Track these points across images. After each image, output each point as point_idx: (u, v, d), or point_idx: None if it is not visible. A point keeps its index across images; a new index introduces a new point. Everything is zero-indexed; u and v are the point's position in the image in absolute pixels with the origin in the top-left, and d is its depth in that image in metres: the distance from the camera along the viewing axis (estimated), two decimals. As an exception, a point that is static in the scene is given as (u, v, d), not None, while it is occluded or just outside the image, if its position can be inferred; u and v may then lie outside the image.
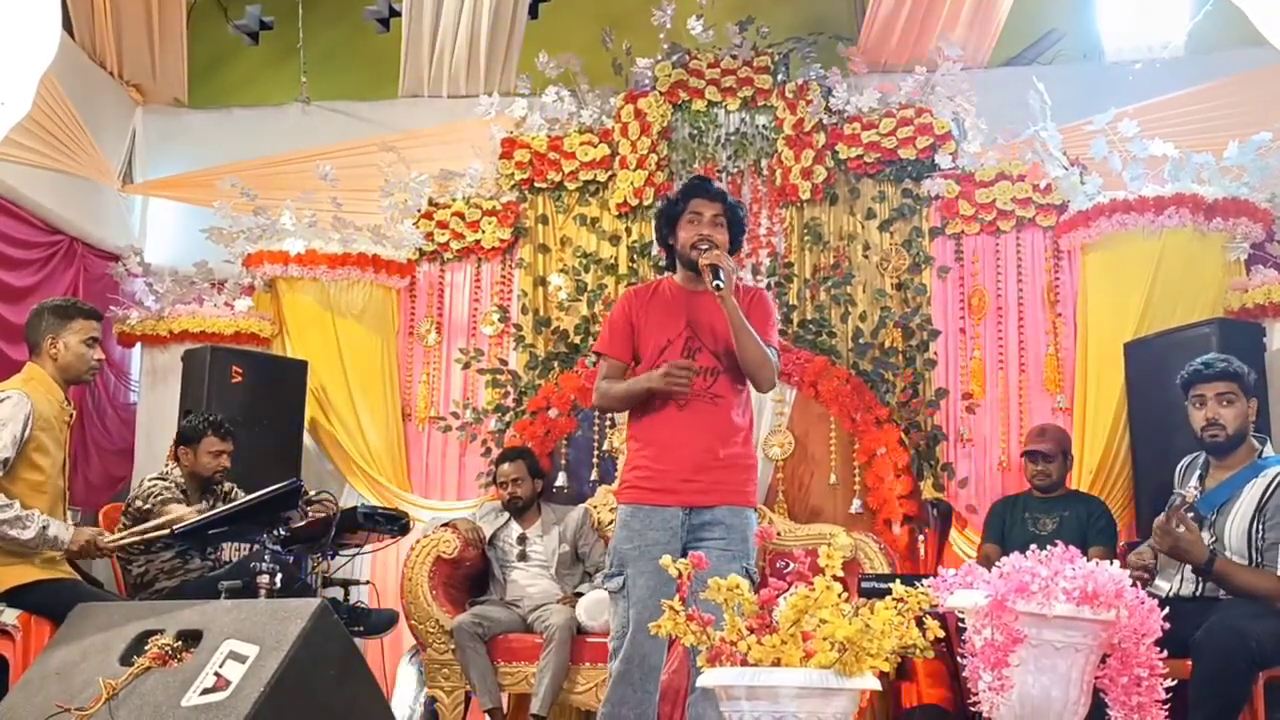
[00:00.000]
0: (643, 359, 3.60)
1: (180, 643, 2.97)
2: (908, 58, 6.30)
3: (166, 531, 4.23)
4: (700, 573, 2.45)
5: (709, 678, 2.18)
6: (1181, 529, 3.46)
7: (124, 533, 4.24)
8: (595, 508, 5.58)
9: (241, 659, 2.83)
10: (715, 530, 3.43)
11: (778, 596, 2.22)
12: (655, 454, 3.50)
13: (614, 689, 3.41)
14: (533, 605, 5.17)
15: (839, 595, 2.15)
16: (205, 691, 2.78)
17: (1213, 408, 3.69)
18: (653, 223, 4.57)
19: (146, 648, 2.97)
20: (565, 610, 4.99)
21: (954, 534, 5.64)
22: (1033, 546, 2.38)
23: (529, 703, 4.85)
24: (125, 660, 2.99)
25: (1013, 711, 2.25)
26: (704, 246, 3.49)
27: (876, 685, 2.13)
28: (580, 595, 5.14)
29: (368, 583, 5.46)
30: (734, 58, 6.16)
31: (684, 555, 3.15)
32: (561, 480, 5.89)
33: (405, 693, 5.57)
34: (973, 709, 2.32)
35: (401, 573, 5.21)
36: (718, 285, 3.37)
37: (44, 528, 3.87)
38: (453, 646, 4.97)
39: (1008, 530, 4.92)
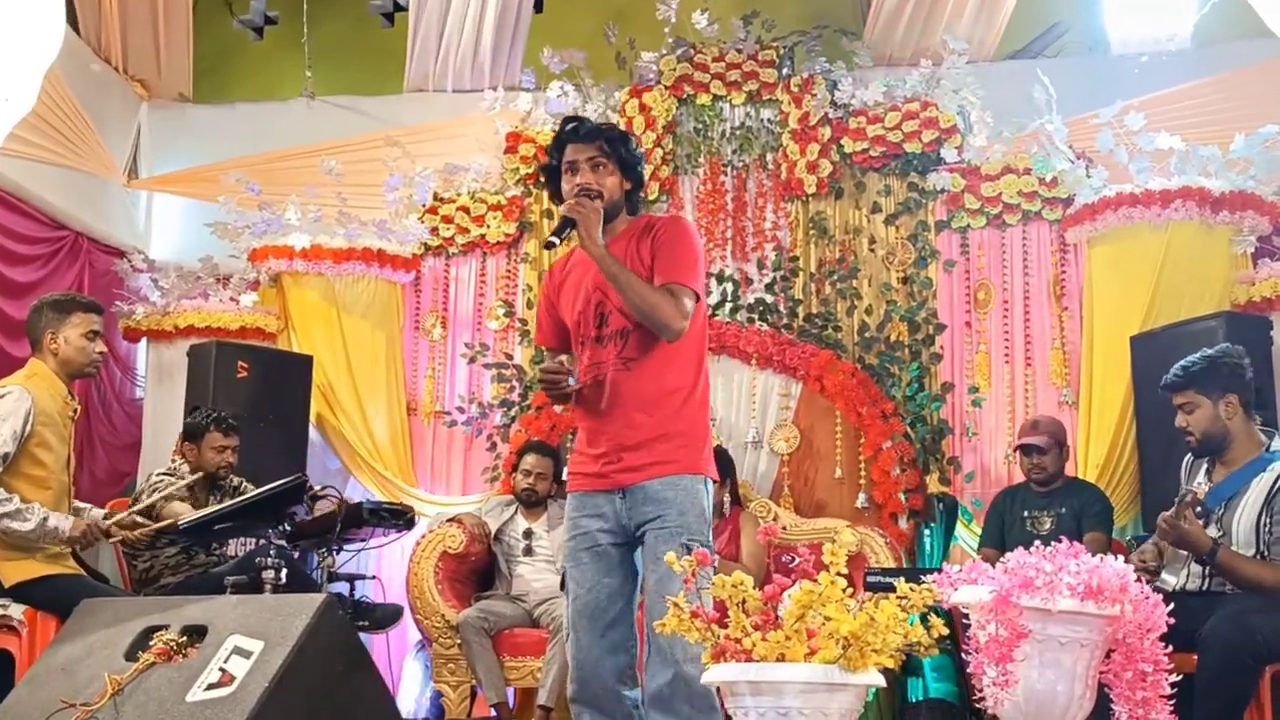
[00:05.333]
0: (571, 336, 3.23)
1: (185, 638, 2.96)
2: (913, 51, 6.29)
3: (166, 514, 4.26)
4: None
5: (713, 674, 2.17)
6: (1186, 525, 3.46)
7: (125, 513, 4.24)
8: (600, 502, 5.57)
9: (246, 654, 2.82)
10: (649, 508, 3.00)
11: (782, 592, 2.21)
12: (586, 439, 3.16)
13: (578, 714, 3.03)
14: (538, 600, 5.16)
15: (843, 590, 2.14)
16: (210, 687, 2.78)
17: (1180, 417, 3.74)
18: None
19: (152, 643, 2.97)
20: (571, 604, 4.98)
21: (959, 528, 5.63)
22: (1035, 544, 2.37)
23: (534, 697, 4.85)
24: (130, 656, 2.98)
25: (1018, 707, 2.25)
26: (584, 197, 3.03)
27: (881, 682, 2.13)
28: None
29: (373, 578, 5.46)
30: (739, 52, 6.15)
31: (636, 545, 3.05)
32: (565, 475, 5.88)
33: (411, 688, 5.58)
34: (978, 704, 2.31)
35: (407, 567, 5.22)
36: (549, 243, 2.97)
37: (44, 519, 3.87)
38: (458, 641, 4.97)
39: (1007, 530, 4.88)
